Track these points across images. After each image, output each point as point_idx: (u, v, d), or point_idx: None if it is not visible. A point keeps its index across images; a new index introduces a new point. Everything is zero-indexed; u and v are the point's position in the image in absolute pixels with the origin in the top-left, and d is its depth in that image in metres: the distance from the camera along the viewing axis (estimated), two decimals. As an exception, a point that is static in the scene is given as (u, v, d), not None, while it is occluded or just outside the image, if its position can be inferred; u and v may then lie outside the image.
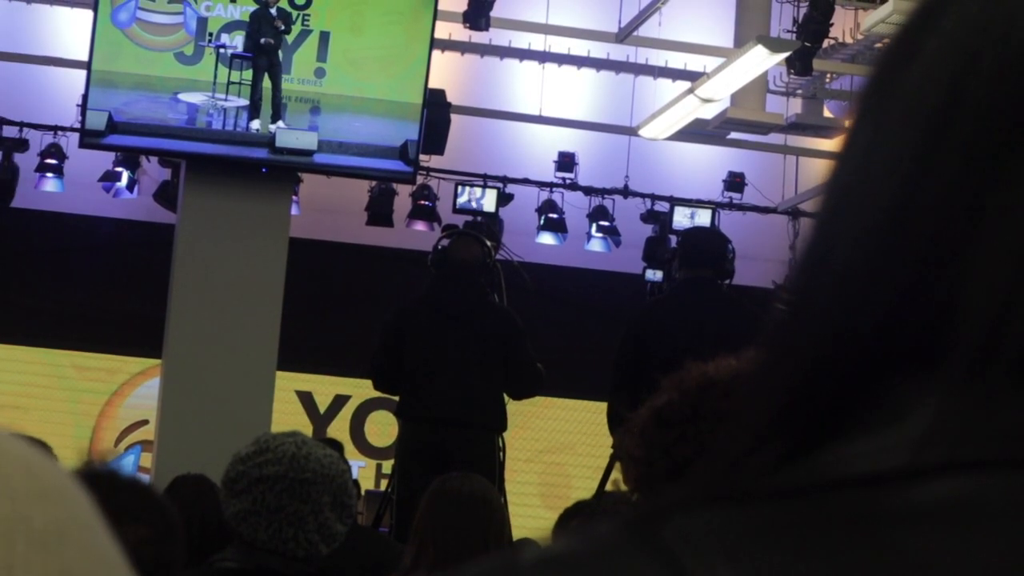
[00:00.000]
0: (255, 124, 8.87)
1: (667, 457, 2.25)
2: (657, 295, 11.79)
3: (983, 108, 0.66)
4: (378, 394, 8.89)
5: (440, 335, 7.78)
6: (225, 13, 8.91)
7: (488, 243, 8.29)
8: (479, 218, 12.66)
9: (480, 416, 7.79)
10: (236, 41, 8.91)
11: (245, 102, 8.93)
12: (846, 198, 0.71)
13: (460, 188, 13.07)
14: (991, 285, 0.64)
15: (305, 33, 8.95)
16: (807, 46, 11.37)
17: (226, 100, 8.93)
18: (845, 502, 0.63)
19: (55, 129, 12.63)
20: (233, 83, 8.91)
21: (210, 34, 8.93)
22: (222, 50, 8.92)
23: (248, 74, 8.90)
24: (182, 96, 8.91)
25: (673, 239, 13.25)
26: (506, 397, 8.02)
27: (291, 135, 8.97)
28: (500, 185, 13.32)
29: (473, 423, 7.75)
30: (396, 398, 8.22)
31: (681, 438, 2.24)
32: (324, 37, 8.95)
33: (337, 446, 7.14)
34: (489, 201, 13.05)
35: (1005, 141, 0.66)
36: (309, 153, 9.04)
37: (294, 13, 8.87)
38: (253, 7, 8.82)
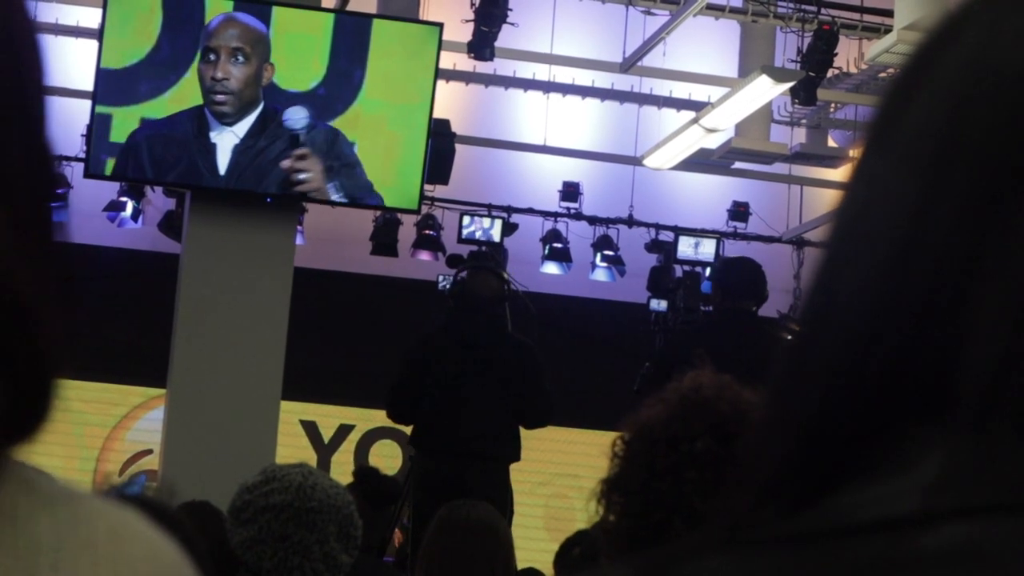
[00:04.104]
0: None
1: (626, 518, 2.29)
2: (693, 323, 11.75)
3: (977, 157, 0.66)
4: (382, 424, 8.87)
5: (460, 366, 7.79)
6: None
7: (505, 276, 8.31)
8: (483, 248, 12.65)
9: (498, 448, 7.81)
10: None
11: None
12: (848, 246, 0.71)
13: (466, 218, 13.07)
14: (991, 336, 0.64)
15: None
16: (811, 76, 11.39)
17: None
18: (856, 547, 0.63)
19: (60, 159, 12.66)
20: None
21: None
22: None
23: None
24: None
25: (678, 268, 13.28)
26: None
27: None
28: (505, 215, 13.33)
29: (491, 455, 7.76)
30: (406, 428, 8.21)
31: (631, 505, 2.29)
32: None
33: (390, 482, 7.14)
34: (495, 231, 13.04)
35: (1000, 191, 0.66)
36: None
37: None
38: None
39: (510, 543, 4.70)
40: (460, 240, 12.72)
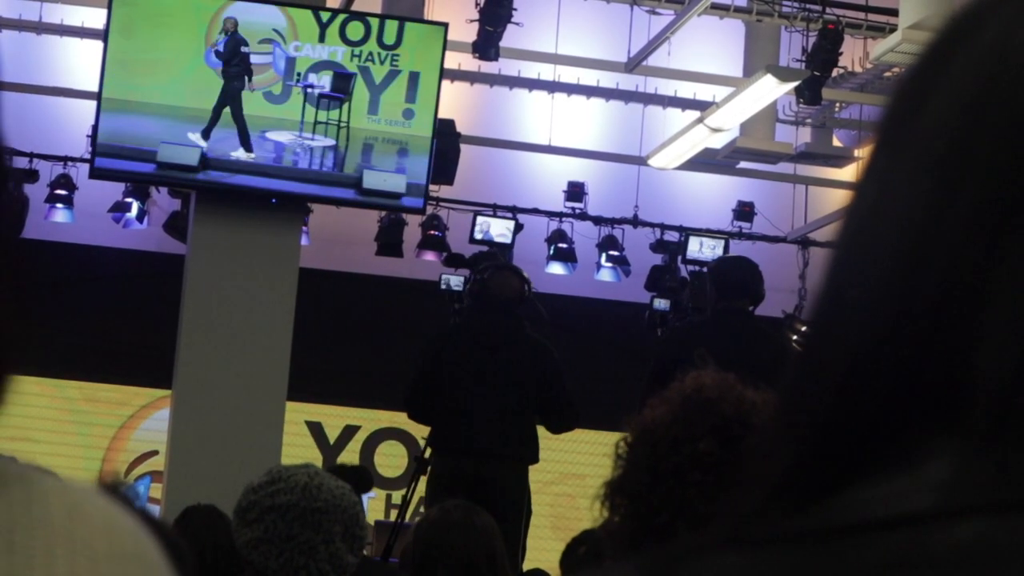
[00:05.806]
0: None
1: (630, 520, 2.29)
2: (691, 320, 11.73)
3: (993, 158, 0.66)
4: (388, 424, 8.86)
5: (478, 366, 7.77)
6: (313, 53, 8.91)
7: (526, 276, 8.29)
8: (490, 248, 12.62)
9: (515, 448, 7.80)
10: (323, 81, 8.93)
11: (332, 141, 8.92)
12: (859, 247, 0.70)
13: (476, 219, 13.01)
14: (1005, 341, 0.64)
15: (394, 73, 8.92)
16: (816, 75, 11.39)
17: (312, 139, 8.94)
18: (874, 543, 0.63)
19: (65, 160, 12.66)
20: (320, 123, 8.93)
21: (298, 74, 8.91)
22: (309, 90, 8.92)
23: (335, 114, 8.92)
24: (269, 135, 8.91)
25: (683, 268, 13.25)
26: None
27: (379, 177, 8.94)
28: (510, 215, 13.31)
29: (510, 455, 7.75)
30: (417, 429, 8.22)
31: (636, 507, 2.29)
32: (414, 78, 8.93)
33: (363, 473, 7.10)
34: (506, 232, 12.94)
35: (1015, 193, 0.65)
36: (397, 196, 9.09)
37: (382, 53, 8.89)
38: (342, 47, 8.89)
39: (492, 532, 4.67)
40: (471, 241, 12.67)
